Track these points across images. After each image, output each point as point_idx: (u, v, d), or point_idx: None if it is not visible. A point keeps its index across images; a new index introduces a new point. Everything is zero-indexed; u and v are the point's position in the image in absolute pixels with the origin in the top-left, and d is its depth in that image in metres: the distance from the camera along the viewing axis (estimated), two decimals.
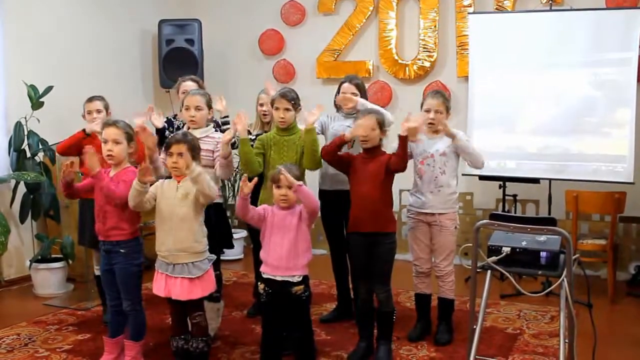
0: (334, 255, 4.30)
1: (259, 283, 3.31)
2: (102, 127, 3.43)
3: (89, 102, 4.24)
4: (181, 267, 3.25)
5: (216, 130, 3.95)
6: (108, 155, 3.32)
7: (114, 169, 3.38)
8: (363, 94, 4.22)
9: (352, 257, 3.70)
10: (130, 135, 3.38)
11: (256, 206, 3.71)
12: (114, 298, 3.45)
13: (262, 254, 3.28)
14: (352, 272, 3.81)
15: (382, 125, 3.56)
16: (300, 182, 3.19)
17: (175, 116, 4.31)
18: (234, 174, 5.62)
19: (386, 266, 3.58)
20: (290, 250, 3.19)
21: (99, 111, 4.20)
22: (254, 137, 4.37)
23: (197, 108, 3.68)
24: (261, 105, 4.42)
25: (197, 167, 3.16)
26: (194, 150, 3.28)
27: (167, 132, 4.23)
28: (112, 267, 3.37)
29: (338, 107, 4.28)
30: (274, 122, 4.01)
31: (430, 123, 3.82)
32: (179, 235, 3.24)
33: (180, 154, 3.23)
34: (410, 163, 3.76)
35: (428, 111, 3.82)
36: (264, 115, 4.40)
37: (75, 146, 4.07)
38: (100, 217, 3.37)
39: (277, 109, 3.78)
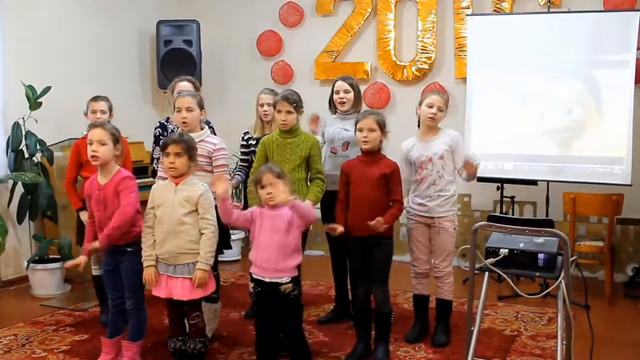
0: (334, 256, 4.30)
1: (249, 282, 3.30)
2: (88, 129, 3.43)
3: (94, 101, 4.24)
4: (182, 268, 3.25)
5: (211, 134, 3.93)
6: (92, 156, 3.30)
7: (103, 175, 3.36)
8: (357, 94, 4.23)
9: (350, 259, 3.70)
10: (117, 137, 3.36)
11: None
12: (116, 297, 3.44)
13: (250, 255, 3.26)
14: (351, 273, 3.81)
15: (382, 126, 3.56)
16: (294, 197, 3.13)
17: (168, 119, 4.29)
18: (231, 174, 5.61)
19: (384, 267, 3.58)
20: (279, 252, 3.16)
21: (103, 112, 4.20)
22: (255, 141, 4.37)
23: (189, 109, 3.65)
24: (261, 105, 4.41)
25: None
26: (191, 151, 3.28)
27: (161, 138, 4.23)
28: (116, 267, 3.37)
29: (333, 109, 4.29)
30: (275, 123, 4.01)
31: (431, 118, 3.82)
32: (178, 238, 3.23)
33: (177, 154, 3.23)
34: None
35: (431, 106, 3.82)
36: (265, 114, 4.39)
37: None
38: (102, 228, 3.33)
39: (279, 111, 3.78)
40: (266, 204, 3.21)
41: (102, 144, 3.30)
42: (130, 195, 3.31)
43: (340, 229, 3.53)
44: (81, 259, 3.36)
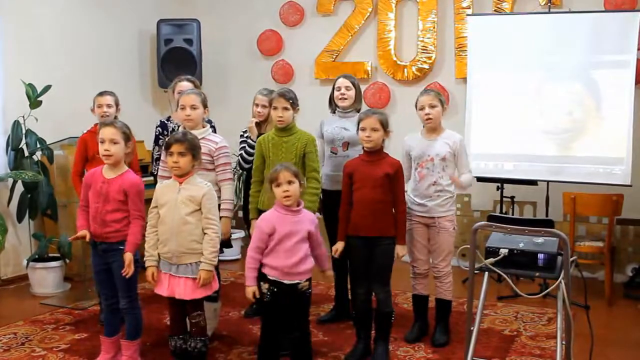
0: (334, 256, 4.29)
1: (262, 283, 3.18)
2: (99, 127, 3.42)
3: (100, 96, 4.26)
4: (185, 268, 3.25)
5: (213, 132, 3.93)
6: (105, 155, 3.30)
7: (111, 170, 3.36)
8: (358, 93, 4.23)
9: (351, 259, 3.70)
10: (128, 135, 3.37)
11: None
12: (109, 297, 3.45)
13: (268, 260, 3.16)
14: (351, 273, 3.81)
15: (385, 125, 3.56)
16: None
17: (169, 118, 4.29)
18: (233, 174, 5.60)
19: (386, 267, 3.59)
20: (302, 258, 3.13)
21: (109, 106, 4.23)
22: (254, 141, 4.35)
23: (193, 107, 3.66)
24: (256, 105, 4.41)
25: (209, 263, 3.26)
26: (195, 150, 3.28)
27: (161, 137, 4.24)
28: (108, 266, 3.36)
29: (333, 108, 4.29)
30: (271, 123, 4.01)
31: (427, 119, 3.82)
32: (181, 237, 3.23)
33: (181, 153, 3.23)
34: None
35: (422, 108, 3.82)
36: (259, 115, 4.39)
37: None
38: (98, 221, 3.34)
39: (275, 108, 3.77)
40: (281, 203, 3.17)
41: (114, 143, 3.30)
42: (138, 202, 3.32)
43: (339, 251, 3.64)
44: (85, 233, 3.37)
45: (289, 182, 3.12)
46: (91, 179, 3.40)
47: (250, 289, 3.16)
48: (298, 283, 3.16)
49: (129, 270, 3.24)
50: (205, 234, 3.26)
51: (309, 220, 3.21)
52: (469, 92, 5.45)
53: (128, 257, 3.24)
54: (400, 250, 3.62)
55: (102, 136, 3.32)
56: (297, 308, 3.20)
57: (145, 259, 3.32)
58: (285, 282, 3.14)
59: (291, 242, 3.13)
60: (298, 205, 3.19)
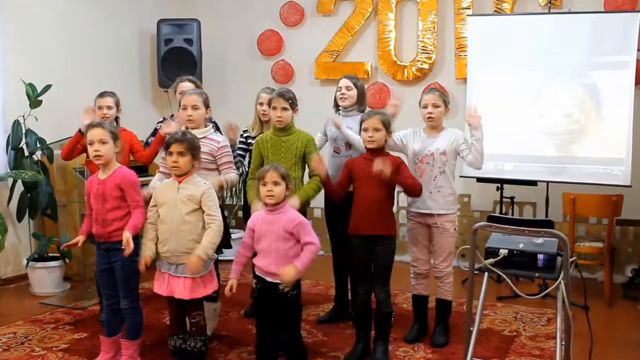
0: (336, 256, 4.30)
1: (253, 278, 3.30)
2: (86, 129, 3.42)
3: (100, 97, 4.26)
4: (184, 267, 3.25)
5: (215, 132, 3.93)
6: (96, 156, 3.31)
7: (103, 171, 3.37)
8: (360, 93, 4.23)
9: (352, 258, 3.70)
10: (116, 135, 3.38)
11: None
12: (110, 297, 3.45)
13: (255, 257, 3.28)
14: (352, 272, 3.81)
15: (387, 125, 3.56)
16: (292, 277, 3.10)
17: (172, 116, 4.31)
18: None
19: (386, 266, 3.59)
20: (278, 259, 3.14)
21: (109, 107, 4.22)
22: (253, 139, 4.36)
23: (194, 107, 3.67)
24: (260, 104, 4.41)
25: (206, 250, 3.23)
26: (194, 150, 3.29)
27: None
28: (110, 266, 3.37)
29: (336, 107, 4.29)
30: (272, 122, 4.01)
31: (429, 118, 3.83)
32: (180, 236, 3.24)
33: (180, 153, 3.23)
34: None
35: (425, 107, 3.84)
36: (263, 114, 4.39)
37: (76, 148, 4.18)
38: (100, 221, 3.35)
39: (274, 108, 3.77)
40: (264, 203, 3.21)
41: (103, 143, 3.31)
42: (135, 193, 3.33)
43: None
44: (78, 238, 3.39)
45: (275, 183, 3.15)
46: (90, 185, 3.43)
47: (229, 282, 3.26)
48: (278, 284, 3.17)
49: (127, 248, 3.18)
50: (207, 229, 3.25)
51: (288, 219, 3.17)
52: (469, 92, 5.44)
53: (126, 235, 3.19)
54: (384, 166, 3.40)
55: (90, 138, 3.32)
56: (281, 309, 3.21)
57: (142, 247, 3.31)
58: (268, 279, 3.20)
59: (266, 241, 3.18)
60: (281, 203, 3.20)
